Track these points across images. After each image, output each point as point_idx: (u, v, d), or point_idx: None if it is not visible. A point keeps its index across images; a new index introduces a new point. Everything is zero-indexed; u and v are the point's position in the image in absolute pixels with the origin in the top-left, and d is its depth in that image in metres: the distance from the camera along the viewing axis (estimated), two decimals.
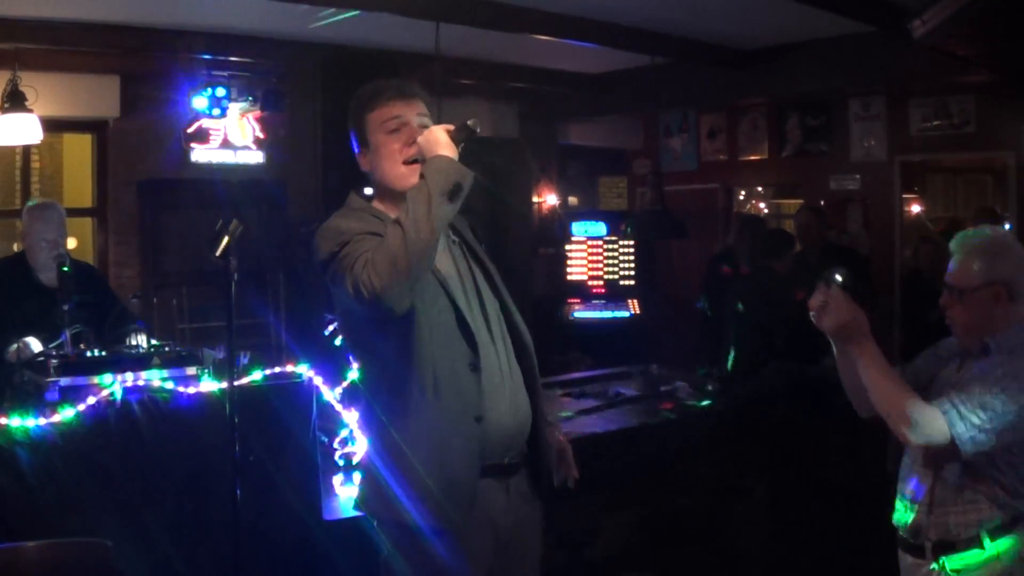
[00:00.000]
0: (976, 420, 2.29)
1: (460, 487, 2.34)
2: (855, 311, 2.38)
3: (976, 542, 2.40)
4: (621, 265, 8.18)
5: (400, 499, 2.34)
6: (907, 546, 2.55)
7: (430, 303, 2.36)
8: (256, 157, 7.31)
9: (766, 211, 9.80)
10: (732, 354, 5.86)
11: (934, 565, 2.46)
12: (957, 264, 2.50)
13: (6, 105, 5.68)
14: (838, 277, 2.39)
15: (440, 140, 2.27)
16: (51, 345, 3.58)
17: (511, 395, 2.45)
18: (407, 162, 2.41)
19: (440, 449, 2.33)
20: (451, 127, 2.32)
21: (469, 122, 2.32)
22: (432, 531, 2.33)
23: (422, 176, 2.23)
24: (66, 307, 3.72)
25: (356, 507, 2.54)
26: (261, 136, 7.30)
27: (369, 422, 2.47)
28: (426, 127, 2.39)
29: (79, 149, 7.69)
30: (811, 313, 2.43)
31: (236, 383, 3.01)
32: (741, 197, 9.36)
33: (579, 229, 8.26)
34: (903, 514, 2.56)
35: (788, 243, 6.10)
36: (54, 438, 3.20)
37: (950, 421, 2.30)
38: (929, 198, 9.47)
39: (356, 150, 2.51)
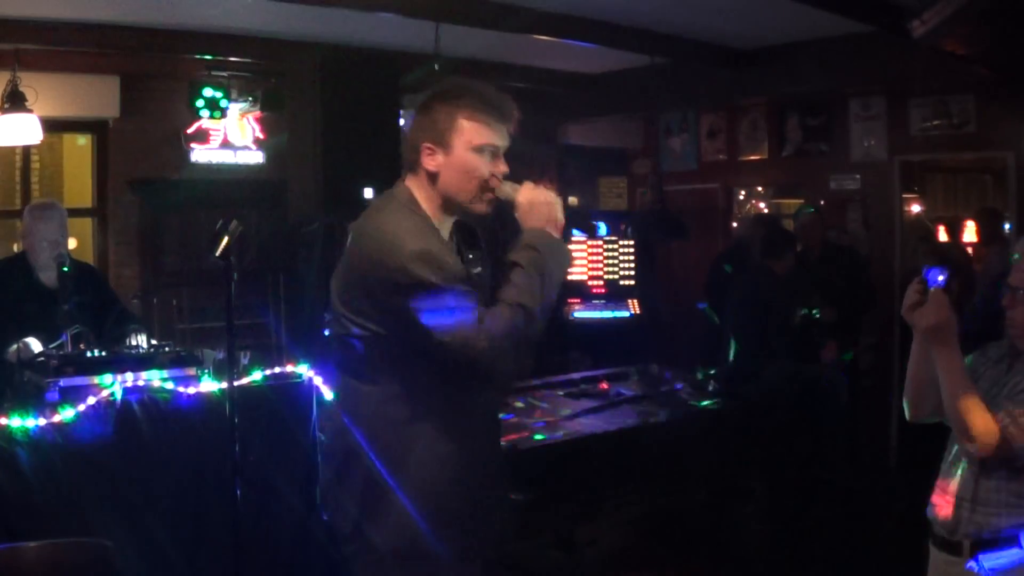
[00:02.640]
0: None
1: (501, 509, 2.38)
2: (950, 313, 2.40)
3: (1015, 542, 2.40)
4: (621, 265, 8.18)
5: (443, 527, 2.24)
6: (942, 543, 2.53)
7: None
8: (256, 157, 7.30)
9: (766, 211, 9.79)
10: (732, 354, 5.87)
11: (971, 563, 2.44)
12: (1021, 266, 2.51)
13: (6, 105, 5.67)
14: (941, 277, 2.40)
15: (559, 220, 2.23)
16: (51, 345, 3.58)
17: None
18: (485, 190, 2.29)
19: (485, 468, 2.33)
20: (559, 202, 2.26)
21: (576, 206, 2.31)
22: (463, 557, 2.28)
23: (538, 252, 2.17)
24: (66, 307, 3.72)
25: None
26: (261, 136, 7.30)
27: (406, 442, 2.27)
28: (505, 156, 2.31)
29: (79, 149, 7.68)
30: (903, 308, 2.46)
31: (236, 383, 3.02)
32: (741, 197, 9.35)
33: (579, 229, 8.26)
34: (942, 509, 2.54)
35: (788, 244, 6.10)
36: (54, 438, 3.20)
37: (1011, 433, 2.33)
38: (929, 198, 9.46)
39: (420, 139, 2.31)
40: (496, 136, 2.30)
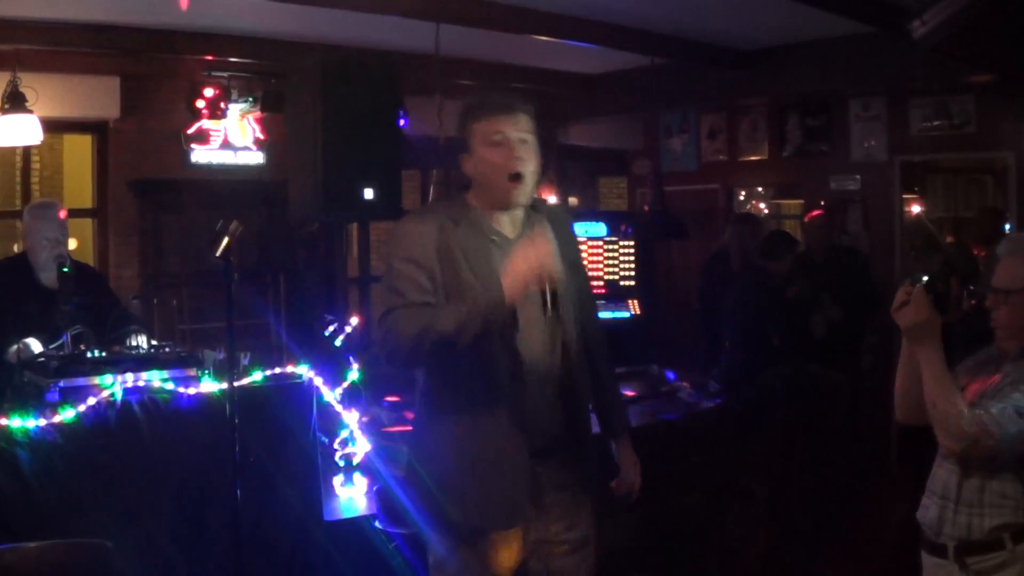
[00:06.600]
0: (1015, 428, 2.31)
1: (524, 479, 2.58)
2: (930, 314, 2.42)
3: (999, 544, 2.39)
4: (621, 265, 8.17)
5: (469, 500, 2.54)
6: (930, 546, 2.53)
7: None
8: (256, 158, 7.31)
9: (766, 211, 9.80)
10: (728, 355, 5.87)
11: (957, 566, 2.43)
12: (1003, 266, 2.52)
13: (6, 106, 5.67)
14: (924, 278, 2.46)
15: (521, 288, 2.40)
16: (51, 346, 3.58)
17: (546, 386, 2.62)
18: (508, 178, 2.54)
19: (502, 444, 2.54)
20: (544, 278, 2.44)
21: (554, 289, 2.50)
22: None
23: (481, 312, 2.38)
24: (66, 307, 3.72)
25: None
26: (261, 137, 7.30)
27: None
28: (525, 142, 2.58)
29: (79, 149, 7.68)
30: (892, 309, 2.49)
31: (236, 384, 3.02)
32: (741, 197, 9.35)
33: (579, 229, 8.23)
34: (928, 510, 2.54)
35: (786, 245, 6.07)
36: (54, 439, 3.19)
37: (990, 429, 2.31)
38: (929, 198, 9.46)
39: (459, 154, 2.64)
40: (503, 125, 2.56)
